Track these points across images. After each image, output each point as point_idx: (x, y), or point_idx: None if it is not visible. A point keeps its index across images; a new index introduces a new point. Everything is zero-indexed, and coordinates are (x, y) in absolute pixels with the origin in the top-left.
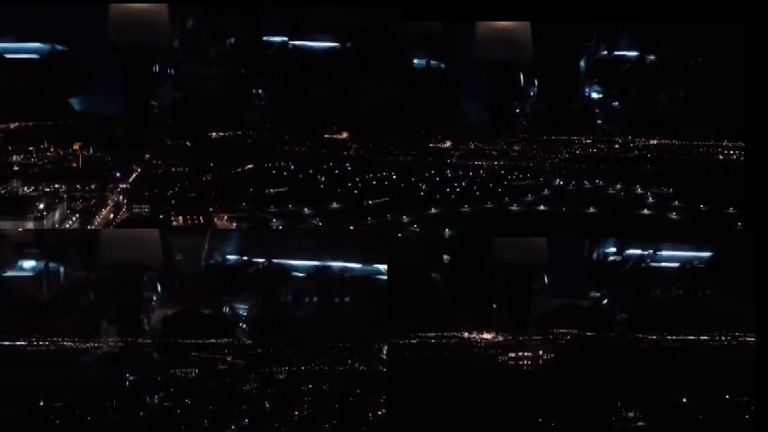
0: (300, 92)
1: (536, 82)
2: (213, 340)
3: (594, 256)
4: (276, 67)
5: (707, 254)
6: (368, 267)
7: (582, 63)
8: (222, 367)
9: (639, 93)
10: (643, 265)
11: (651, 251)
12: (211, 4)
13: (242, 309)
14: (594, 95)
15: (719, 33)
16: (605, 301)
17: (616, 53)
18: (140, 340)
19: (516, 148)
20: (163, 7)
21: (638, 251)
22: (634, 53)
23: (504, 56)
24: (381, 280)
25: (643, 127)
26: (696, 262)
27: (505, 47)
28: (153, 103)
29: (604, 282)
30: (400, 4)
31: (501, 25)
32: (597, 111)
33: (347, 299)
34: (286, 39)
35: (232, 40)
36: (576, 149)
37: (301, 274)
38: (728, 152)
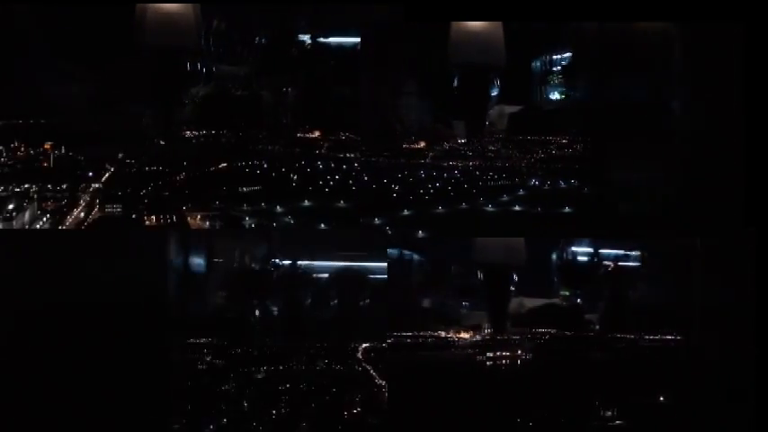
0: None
1: (500, 83)
2: (192, 340)
3: (569, 255)
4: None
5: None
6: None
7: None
8: (201, 367)
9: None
10: (617, 264)
11: (625, 251)
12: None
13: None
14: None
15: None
16: (579, 300)
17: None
18: None
19: (492, 148)
20: (189, 8)
21: (613, 251)
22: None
23: (477, 59)
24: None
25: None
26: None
27: (479, 50)
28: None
29: (579, 281)
30: (400, 4)
31: (474, 29)
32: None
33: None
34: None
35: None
36: (551, 149)
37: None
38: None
